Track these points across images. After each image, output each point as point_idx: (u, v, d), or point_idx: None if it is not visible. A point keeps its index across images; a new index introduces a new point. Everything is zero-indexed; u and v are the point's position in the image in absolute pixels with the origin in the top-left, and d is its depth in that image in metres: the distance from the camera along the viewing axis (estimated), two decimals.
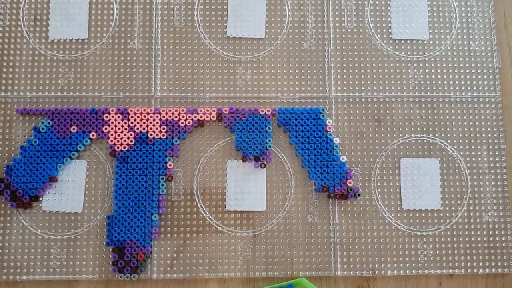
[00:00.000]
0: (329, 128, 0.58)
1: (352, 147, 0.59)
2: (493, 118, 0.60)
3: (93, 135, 0.57)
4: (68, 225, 0.56)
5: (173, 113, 0.58)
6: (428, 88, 0.60)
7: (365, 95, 0.60)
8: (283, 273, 0.56)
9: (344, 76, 0.60)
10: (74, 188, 0.56)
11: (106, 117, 0.57)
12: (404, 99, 0.60)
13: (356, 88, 0.60)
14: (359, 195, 0.57)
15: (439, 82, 0.60)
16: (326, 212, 0.57)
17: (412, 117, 0.59)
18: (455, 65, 0.61)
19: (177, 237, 0.56)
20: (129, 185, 0.56)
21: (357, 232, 0.57)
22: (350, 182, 0.57)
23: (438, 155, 0.59)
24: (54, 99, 0.58)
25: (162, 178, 0.56)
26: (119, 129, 0.57)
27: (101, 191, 0.57)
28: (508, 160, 0.59)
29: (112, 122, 0.57)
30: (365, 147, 0.59)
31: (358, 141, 0.59)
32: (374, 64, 0.60)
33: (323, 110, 0.58)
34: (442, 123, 0.59)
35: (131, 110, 0.57)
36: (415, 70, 0.60)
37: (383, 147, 0.59)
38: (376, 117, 0.59)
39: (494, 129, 0.59)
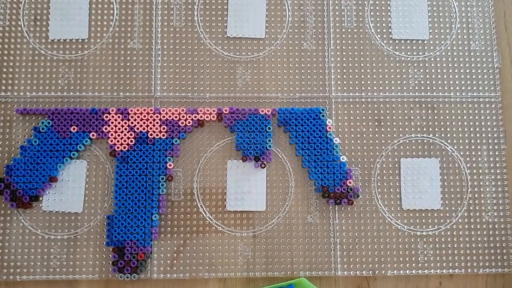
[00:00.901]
0: (329, 128, 0.58)
1: (352, 147, 0.59)
2: (493, 118, 0.60)
3: (93, 135, 0.57)
4: (68, 225, 0.56)
5: (173, 113, 0.58)
6: (428, 88, 0.60)
7: (365, 95, 0.60)
8: (283, 273, 0.56)
9: (344, 76, 0.60)
10: (74, 188, 0.56)
11: (106, 117, 0.57)
12: (404, 99, 0.60)
13: (356, 88, 0.60)
14: (358, 195, 0.57)
15: (439, 82, 0.60)
16: (326, 212, 0.57)
17: (412, 117, 0.60)
18: (455, 65, 0.61)
19: (177, 237, 0.56)
20: (129, 185, 0.56)
21: (357, 232, 0.57)
22: (350, 182, 0.57)
23: (438, 155, 0.59)
24: (54, 99, 0.58)
25: (162, 178, 0.56)
26: (119, 129, 0.57)
27: (101, 191, 0.57)
28: (508, 160, 0.59)
29: (112, 122, 0.57)
30: (365, 147, 0.59)
31: (358, 141, 0.59)
32: (374, 64, 0.60)
33: (323, 110, 0.58)
34: (442, 123, 0.59)
35: (131, 110, 0.57)
36: (415, 70, 0.60)
37: (383, 147, 0.59)
38: (376, 117, 0.59)
39: (494, 129, 0.59)
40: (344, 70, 0.60)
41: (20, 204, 0.55)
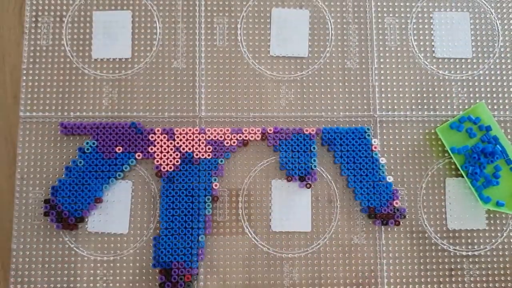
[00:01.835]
0: (375, 147, 0.58)
1: (398, 167, 0.58)
2: None
3: (138, 156, 0.57)
4: (114, 246, 0.56)
5: (218, 133, 0.57)
6: (471, 107, 0.60)
7: (410, 114, 0.59)
8: None
9: (388, 95, 0.60)
10: (120, 209, 0.56)
11: (152, 137, 0.57)
12: (448, 118, 0.60)
13: (401, 107, 0.59)
14: (404, 216, 0.57)
15: (483, 101, 0.60)
16: (373, 233, 0.57)
17: None
18: (499, 84, 0.61)
19: (223, 258, 0.56)
20: (175, 206, 0.56)
21: (404, 252, 0.57)
22: (397, 203, 0.57)
23: None
24: (99, 119, 0.58)
25: (208, 199, 0.56)
26: (165, 149, 0.57)
27: (146, 211, 0.56)
28: None
29: (158, 143, 0.57)
30: (410, 167, 0.58)
31: (404, 161, 0.59)
32: (418, 83, 0.60)
33: (368, 129, 0.58)
34: None
35: (177, 130, 0.57)
36: (459, 89, 0.60)
37: (428, 167, 0.59)
38: (421, 136, 0.59)
39: None
40: (388, 89, 0.60)
41: (66, 225, 0.55)
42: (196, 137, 0.57)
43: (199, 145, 0.57)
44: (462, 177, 0.58)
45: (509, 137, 0.59)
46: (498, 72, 0.61)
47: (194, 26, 0.60)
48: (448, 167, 0.59)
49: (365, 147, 0.58)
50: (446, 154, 0.59)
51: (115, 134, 0.57)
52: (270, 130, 0.58)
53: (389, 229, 0.57)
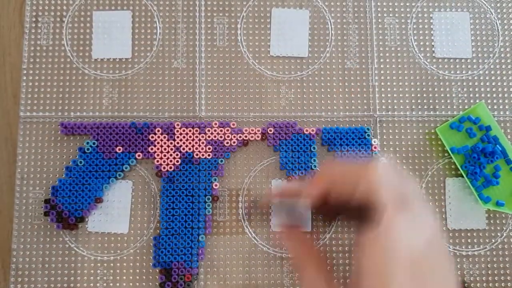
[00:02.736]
0: (375, 147, 0.58)
1: (398, 167, 0.58)
2: None
3: (138, 156, 0.57)
4: (114, 246, 0.56)
5: (218, 133, 0.57)
6: (468, 107, 0.60)
7: (410, 114, 0.59)
8: None
9: (388, 95, 0.60)
10: (120, 209, 0.56)
11: (152, 137, 0.57)
12: (448, 118, 0.60)
13: (401, 107, 0.60)
14: None
15: (483, 101, 0.60)
16: None
17: None
18: (499, 84, 0.61)
19: (223, 258, 0.56)
20: (175, 206, 0.56)
21: None
22: None
23: None
24: (99, 119, 0.58)
25: (208, 199, 0.56)
26: (165, 149, 0.57)
27: (146, 211, 0.56)
28: None
29: (158, 143, 0.57)
30: (410, 167, 0.59)
31: (404, 161, 0.59)
32: (418, 83, 0.60)
33: (368, 129, 0.58)
34: None
35: (177, 131, 0.57)
36: (459, 89, 0.60)
37: (428, 167, 0.59)
38: (421, 136, 0.59)
39: None
40: (389, 89, 0.60)
41: (66, 225, 0.55)
42: (196, 137, 0.57)
43: (200, 145, 0.57)
44: (462, 177, 0.58)
45: (509, 137, 0.59)
46: (498, 72, 0.61)
47: (194, 26, 0.60)
48: (448, 167, 0.59)
49: (365, 147, 0.58)
50: (446, 154, 0.59)
51: (115, 134, 0.57)
52: (270, 130, 0.58)
53: None
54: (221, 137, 0.57)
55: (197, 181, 0.56)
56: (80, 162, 0.56)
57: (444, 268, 0.33)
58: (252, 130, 0.58)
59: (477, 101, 0.60)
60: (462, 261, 0.57)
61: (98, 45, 0.59)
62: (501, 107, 0.60)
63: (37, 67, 0.58)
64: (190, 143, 0.57)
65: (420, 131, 0.59)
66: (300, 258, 0.43)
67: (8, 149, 0.58)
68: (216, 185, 0.57)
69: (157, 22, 0.60)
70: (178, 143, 0.57)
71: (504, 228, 0.58)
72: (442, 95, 0.60)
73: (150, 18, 0.60)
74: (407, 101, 0.60)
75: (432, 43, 0.61)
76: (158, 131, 0.57)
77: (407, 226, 0.32)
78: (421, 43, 0.61)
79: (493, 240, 0.58)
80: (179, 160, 0.57)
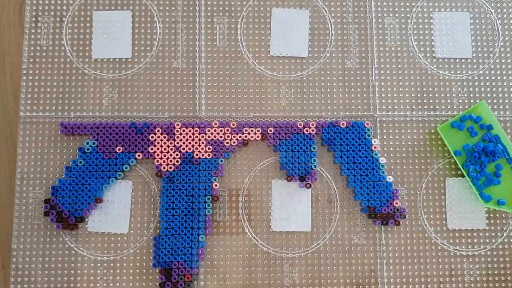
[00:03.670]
0: (375, 147, 0.58)
1: (398, 167, 0.58)
2: None
3: (138, 156, 0.57)
4: (114, 246, 0.56)
5: (218, 133, 0.57)
6: (468, 107, 0.60)
7: (410, 114, 0.59)
8: None
9: (389, 95, 0.60)
10: (120, 209, 0.56)
11: (152, 137, 0.57)
12: (448, 118, 0.59)
13: (401, 107, 0.59)
14: (404, 216, 0.57)
15: (483, 100, 0.60)
16: (373, 233, 0.57)
17: None
18: (499, 84, 0.61)
19: (223, 258, 0.56)
20: (175, 206, 0.56)
21: (404, 252, 0.57)
22: (396, 203, 0.57)
23: None
24: (99, 118, 0.58)
25: (208, 199, 0.56)
26: (165, 149, 0.57)
27: (146, 211, 0.56)
28: None
29: (158, 143, 0.57)
30: (410, 167, 0.58)
31: (404, 161, 0.59)
32: (418, 83, 0.60)
33: (368, 129, 0.58)
34: None
35: (177, 131, 0.57)
36: (459, 89, 0.60)
37: (428, 167, 0.59)
38: (421, 136, 0.59)
39: None
40: (389, 89, 0.60)
41: (66, 225, 0.55)
42: (196, 137, 0.57)
43: (199, 145, 0.57)
44: (462, 177, 0.58)
45: (509, 136, 0.59)
46: (498, 72, 0.61)
47: (194, 26, 0.60)
48: (448, 167, 0.59)
49: (365, 147, 0.58)
50: (446, 154, 0.59)
51: (115, 134, 0.57)
52: (270, 130, 0.58)
53: (389, 229, 0.57)
54: (221, 137, 0.57)
55: (197, 181, 0.56)
56: (80, 162, 0.56)
57: None
58: (252, 130, 0.58)
59: (477, 101, 0.60)
60: (462, 261, 0.57)
61: (98, 45, 0.59)
62: (501, 107, 0.60)
63: (37, 67, 0.58)
64: (190, 143, 0.57)
65: (420, 131, 0.59)
66: None
67: (8, 149, 0.58)
68: (216, 185, 0.56)
69: (157, 22, 0.60)
70: (178, 143, 0.57)
71: (504, 228, 0.58)
72: (442, 95, 0.60)
73: (150, 18, 0.60)
74: (407, 101, 0.60)
75: (432, 43, 0.61)
76: (158, 131, 0.57)
77: None
78: (421, 43, 0.61)
79: (493, 240, 0.58)
80: (179, 160, 0.56)
